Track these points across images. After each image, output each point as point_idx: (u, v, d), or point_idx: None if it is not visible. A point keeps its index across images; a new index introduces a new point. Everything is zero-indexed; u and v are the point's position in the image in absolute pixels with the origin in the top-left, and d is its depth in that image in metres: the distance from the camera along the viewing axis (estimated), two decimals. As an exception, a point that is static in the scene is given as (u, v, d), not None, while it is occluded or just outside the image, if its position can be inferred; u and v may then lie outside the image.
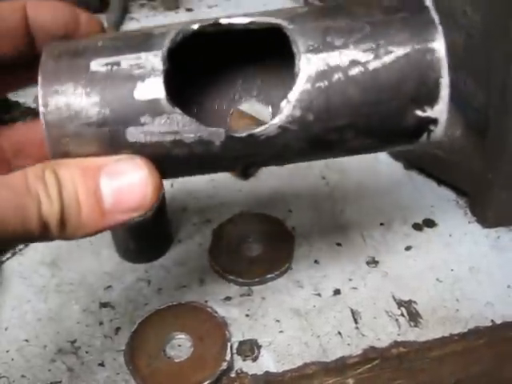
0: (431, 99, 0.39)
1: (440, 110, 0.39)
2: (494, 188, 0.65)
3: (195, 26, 0.39)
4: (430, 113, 0.39)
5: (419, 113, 0.39)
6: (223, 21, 0.40)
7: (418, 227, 0.68)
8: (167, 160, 0.38)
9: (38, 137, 0.37)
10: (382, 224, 0.69)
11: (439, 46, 0.39)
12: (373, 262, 0.64)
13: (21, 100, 0.85)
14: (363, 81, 0.38)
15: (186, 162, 0.39)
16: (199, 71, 0.48)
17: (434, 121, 0.40)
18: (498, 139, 0.63)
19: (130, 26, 1.07)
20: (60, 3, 0.43)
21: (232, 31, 0.40)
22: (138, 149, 0.37)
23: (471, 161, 0.69)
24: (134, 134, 0.37)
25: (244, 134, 0.38)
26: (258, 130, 0.38)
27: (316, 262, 0.64)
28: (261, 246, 0.64)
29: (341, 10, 0.40)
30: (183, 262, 0.64)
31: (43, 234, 0.34)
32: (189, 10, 1.12)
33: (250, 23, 0.40)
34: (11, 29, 0.41)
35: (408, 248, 0.66)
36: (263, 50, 0.47)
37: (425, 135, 0.41)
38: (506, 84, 0.59)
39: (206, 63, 0.48)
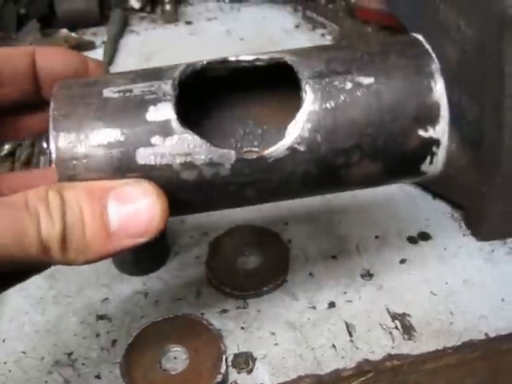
0: (432, 118, 0.40)
1: (442, 130, 0.41)
2: (488, 202, 0.66)
3: (204, 62, 0.40)
4: (432, 133, 0.41)
5: (422, 133, 0.41)
6: (231, 58, 0.41)
7: (412, 240, 0.69)
8: (176, 186, 0.38)
9: (39, 184, 0.36)
10: (377, 237, 0.69)
11: (435, 69, 0.42)
12: (367, 275, 0.65)
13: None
14: (367, 102, 0.39)
15: (195, 189, 0.39)
16: (208, 100, 0.49)
17: (437, 142, 0.41)
18: (491, 153, 0.63)
19: (130, 38, 1.08)
20: (69, 50, 0.44)
21: (239, 69, 0.42)
22: (147, 172, 0.37)
23: (466, 174, 0.69)
24: (144, 156, 0.37)
25: (254, 156, 0.38)
26: (268, 151, 0.39)
27: (311, 274, 0.65)
28: (257, 258, 0.65)
29: (341, 46, 0.42)
30: (180, 275, 0.65)
31: (44, 256, 0.33)
32: (188, 22, 1.13)
33: (256, 60, 0.41)
34: (19, 74, 0.42)
35: (403, 261, 0.66)
36: (269, 87, 0.48)
37: (428, 159, 0.42)
38: (499, 99, 0.60)
39: (213, 93, 0.49)
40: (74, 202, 0.34)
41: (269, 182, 0.40)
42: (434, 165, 0.43)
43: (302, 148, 0.39)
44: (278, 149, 0.39)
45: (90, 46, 1.04)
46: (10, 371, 0.56)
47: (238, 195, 0.41)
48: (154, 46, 1.05)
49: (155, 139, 0.37)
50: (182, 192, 0.39)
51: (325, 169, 0.40)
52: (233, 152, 0.38)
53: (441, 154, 0.42)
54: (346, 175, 0.41)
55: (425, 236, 0.69)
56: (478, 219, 0.69)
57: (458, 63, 0.69)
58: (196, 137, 0.37)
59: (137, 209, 0.35)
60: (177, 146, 0.37)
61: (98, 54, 1.02)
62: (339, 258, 0.67)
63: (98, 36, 1.07)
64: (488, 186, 0.65)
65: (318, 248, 0.67)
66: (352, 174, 0.41)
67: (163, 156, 0.37)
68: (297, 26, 1.12)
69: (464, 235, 0.70)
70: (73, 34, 1.06)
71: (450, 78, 0.71)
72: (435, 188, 0.74)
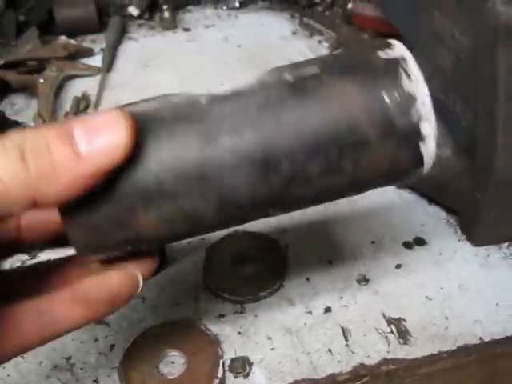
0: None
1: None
2: (482, 207, 0.66)
3: None
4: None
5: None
6: None
7: (408, 245, 0.69)
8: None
9: None
10: (373, 242, 0.70)
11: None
12: (363, 280, 0.65)
13: (20, 119, 0.87)
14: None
15: None
16: None
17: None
18: (485, 160, 0.64)
19: (128, 45, 1.09)
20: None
21: None
22: None
23: (460, 180, 0.70)
24: None
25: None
26: None
27: (308, 279, 0.65)
28: (254, 264, 0.65)
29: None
30: (178, 280, 0.65)
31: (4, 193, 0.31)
32: (186, 29, 1.14)
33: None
34: None
35: (398, 266, 0.67)
36: None
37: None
38: (493, 106, 0.61)
39: None
40: (39, 136, 0.32)
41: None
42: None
43: None
44: None
45: (89, 52, 1.05)
46: (8, 376, 0.56)
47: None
48: (153, 53, 1.06)
49: None
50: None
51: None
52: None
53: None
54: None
55: (420, 241, 0.70)
56: (472, 224, 0.69)
57: (452, 70, 0.70)
58: None
59: (103, 121, 0.33)
60: None
61: (96, 60, 1.02)
62: (335, 263, 0.67)
63: (97, 43, 1.08)
64: (482, 192, 0.65)
65: (315, 253, 0.68)
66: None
67: None
68: (294, 33, 1.12)
69: (459, 240, 0.71)
70: (72, 41, 1.07)
71: (445, 85, 0.72)
72: (430, 193, 0.75)
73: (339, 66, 0.40)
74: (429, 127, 0.40)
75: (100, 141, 0.33)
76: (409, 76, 0.40)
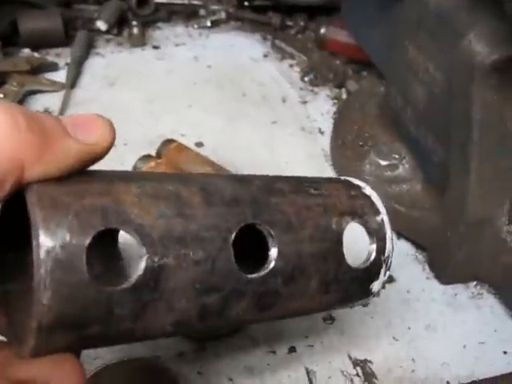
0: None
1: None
2: (451, 246, 0.65)
3: None
4: None
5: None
6: None
7: (376, 282, 0.68)
8: None
9: None
10: (340, 278, 0.68)
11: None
12: (329, 319, 0.63)
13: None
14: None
15: None
16: None
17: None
18: (457, 198, 0.63)
19: (94, 61, 1.05)
20: None
21: None
22: None
23: (430, 217, 0.69)
24: None
25: None
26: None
27: (272, 317, 0.63)
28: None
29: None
30: (136, 314, 0.62)
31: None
32: (155, 47, 1.11)
33: None
34: None
35: (365, 305, 0.65)
36: None
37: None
38: (466, 146, 0.60)
39: None
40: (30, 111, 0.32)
41: None
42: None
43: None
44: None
45: (53, 67, 1.01)
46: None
47: None
48: (120, 70, 1.02)
49: None
50: None
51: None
52: None
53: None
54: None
55: (388, 278, 0.68)
56: (441, 263, 0.68)
57: (425, 104, 0.69)
58: None
59: (85, 117, 0.34)
60: None
61: (60, 75, 0.99)
62: (301, 300, 0.65)
63: (62, 57, 1.04)
64: (452, 231, 0.64)
65: (280, 288, 0.66)
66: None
67: None
68: (265, 56, 1.11)
69: (427, 278, 0.69)
70: (35, 54, 1.03)
71: (417, 118, 0.71)
72: (399, 228, 0.73)
73: None
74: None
75: (85, 131, 0.33)
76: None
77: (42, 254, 0.29)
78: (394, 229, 0.72)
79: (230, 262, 0.35)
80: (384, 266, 0.44)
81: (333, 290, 0.41)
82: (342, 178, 0.47)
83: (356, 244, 0.45)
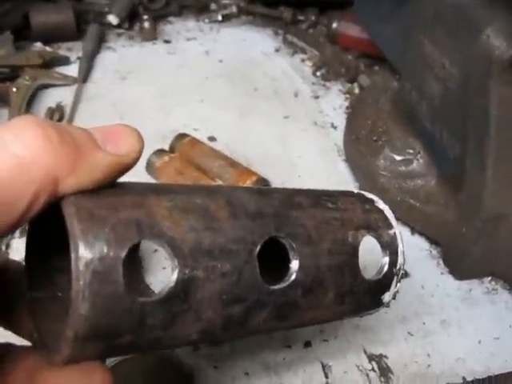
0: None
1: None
2: (467, 242, 0.65)
3: None
4: None
5: None
6: None
7: (390, 277, 0.68)
8: None
9: None
10: (354, 273, 0.68)
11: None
12: (345, 313, 0.63)
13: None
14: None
15: None
16: None
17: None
18: (473, 194, 0.63)
19: (106, 55, 1.05)
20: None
21: None
22: None
23: (445, 212, 0.69)
24: None
25: None
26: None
27: (287, 311, 0.63)
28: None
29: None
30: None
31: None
32: (167, 41, 1.11)
33: None
34: None
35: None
36: None
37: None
38: (483, 141, 0.60)
39: None
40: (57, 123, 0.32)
41: None
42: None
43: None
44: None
45: (65, 61, 1.01)
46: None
47: None
48: (131, 65, 1.02)
49: None
50: None
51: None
52: None
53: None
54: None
55: (402, 273, 0.68)
56: (456, 258, 0.68)
57: (440, 99, 0.69)
58: None
59: (113, 128, 0.34)
60: None
61: (72, 69, 0.99)
62: (316, 294, 0.65)
63: (74, 51, 1.04)
64: (468, 227, 0.64)
65: (295, 283, 0.66)
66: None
67: None
68: (277, 50, 1.10)
69: (442, 273, 0.69)
70: (47, 48, 1.03)
71: (432, 113, 0.71)
72: (413, 223, 0.73)
73: None
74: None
75: (114, 143, 0.33)
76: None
77: (81, 266, 0.29)
78: (408, 224, 0.73)
79: (254, 273, 0.36)
80: (395, 278, 0.45)
81: (347, 302, 0.42)
82: (356, 191, 0.48)
83: (369, 257, 0.46)
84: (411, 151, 0.74)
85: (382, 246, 0.44)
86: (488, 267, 0.67)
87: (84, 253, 0.29)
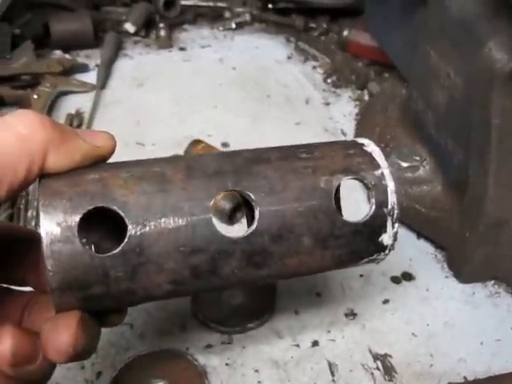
0: None
1: None
2: (470, 246, 0.67)
3: None
4: None
5: None
6: None
7: (396, 280, 0.70)
8: None
9: None
10: (361, 275, 0.70)
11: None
12: (351, 314, 0.66)
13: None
14: None
15: None
16: None
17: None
18: (475, 200, 0.65)
19: (123, 62, 1.09)
20: None
21: None
22: None
23: (450, 217, 0.71)
24: None
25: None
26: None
27: (296, 312, 0.65)
28: (242, 294, 0.65)
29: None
30: (165, 308, 0.65)
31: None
32: (182, 49, 1.14)
33: None
34: None
35: (386, 301, 0.67)
36: None
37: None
38: (485, 149, 0.62)
39: None
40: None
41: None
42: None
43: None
44: None
45: (83, 68, 1.05)
46: (-7, 402, 0.56)
47: None
48: (147, 72, 1.06)
49: None
50: None
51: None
52: None
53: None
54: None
55: (408, 276, 0.71)
56: (460, 262, 0.70)
57: (445, 108, 0.71)
58: None
59: (91, 130, 0.45)
60: None
61: (91, 76, 1.02)
62: (324, 296, 0.68)
63: (92, 58, 1.08)
64: (471, 232, 0.66)
65: (303, 285, 0.68)
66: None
67: None
68: (289, 57, 1.13)
69: (446, 277, 0.71)
70: (67, 56, 1.06)
71: (437, 121, 0.73)
72: (419, 228, 0.76)
73: None
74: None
75: (95, 136, 0.42)
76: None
77: (43, 232, 0.36)
78: (414, 228, 0.75)
79: (210, 226, 0.40)
80: (389, 218, 0.45)
81: (332, 246, 0.43)
82: (350, 139, 0.49)
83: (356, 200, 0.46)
84: (417, 158, 0.76)
85: (366, 188, 0.45)
86: (491, 271, 0.69)
87: (44, 222, 0.37)
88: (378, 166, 0.45)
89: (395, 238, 0.46)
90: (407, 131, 0.81)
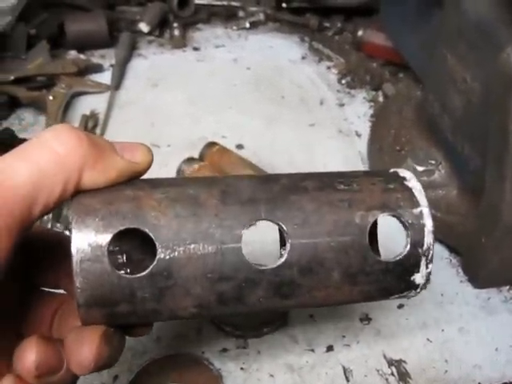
0: None
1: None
2: (486, 251, 0.67)
3: None
4: None
5: None
6: None
7: (411, 285, 0.70)
8: None
9: None
10: (376, 280, 0.70)
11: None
12: (366, 319, 0.66)
13: (28, 136, 0.87)
14: None
15: None
16: None
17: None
18: (492, 205, 0.65)
19: (137, 62, 1.09)
20: None
21: None
22: None
23: (465, 222, 0.71)
24: None
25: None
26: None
27: (311, 316, 0.66)
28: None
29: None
30: (181, 311, 0.65)
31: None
32: (196, 49, 1.14)
33: None
34: None
35: (400, 306, 0.67)
36: None
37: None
38: (502, 155, 0.62)
39: None
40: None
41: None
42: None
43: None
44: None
45: (98, 68, 1.05)
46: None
47: None
48: (162, 72, 1.06)
49: None
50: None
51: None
52: None
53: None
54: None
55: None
56: (475, 267, 0.70)
57: (462, 113, 0.71)
58: None
59: (129, 143, 0.42)
60: None
61: (105, 77, 1.02)
62: (338, 300, 0.68)
63: (106, 58, 1.08)
64: (487, 237, 0.66)
65: (318, 289, 0.68)
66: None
67: None
68: (303, 57, 1.13)
69: (461, 281, 0.71)
70: (81, 56, 1.07)
71: (454, 125, 0.73)
72: (435, 233, 0.75)
73: None
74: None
75: (130, 153, 0.41)
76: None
77: (74, 249, 0.37)
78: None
79: (239, 254, 0.40)
80: (423, 258, 0.44)
81: (362, 282, 0.43)
82: (392, 170, 0.48)
83: (393, 238, 0.47)
84: (433, 162, 0.76)
85: (403, 226, 0.44)
86: (506, 276, 0.69)
87: (76, 239, 0.37)
88: (417, 204, 0.44)
89: (428, 278, 0.45)
90: (422, 134, 0.80)
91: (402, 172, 0.47)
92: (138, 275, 0.38)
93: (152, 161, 0.42)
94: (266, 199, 0.42)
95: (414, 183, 0.46)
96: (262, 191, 0.42)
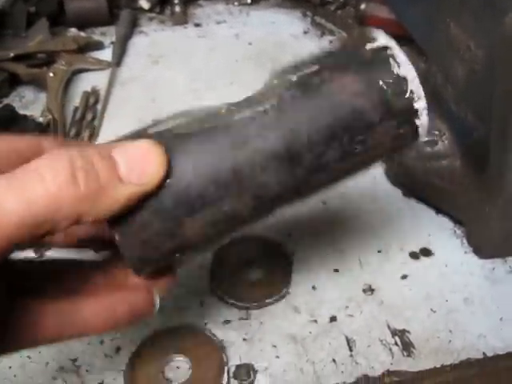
0: None
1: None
2: (490, 221, 0.66)
3: None
4: None
5: None
6: None
7: (414, 255, 0.70)
8: None
9: None
10: (379, 251, 0.70)
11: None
12: (369, 290, 0.65)
13: (28, 113, 0.87)
14: None
15: None
16: None
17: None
18: (496, 175, 0.64)
19: (138, 39, 1.08)
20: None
21: None
22: None
23: (469, 192, 0.70)
24: None
25: None
26: None
27: (313, 287, 0.65)
28: (260, 269, 0.66)
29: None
30: (184, 283, 0.65)
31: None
32: (197, 25, 1.13)
33: None
34: None
35: (404, 277, 0.67)
36: None
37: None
38: (507, 123, 0.61)
39: None
40: (86, 156, 0.36)
41: None
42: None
43: None
44: None
45: (99, 46, 1.04)
46: (15, 376, 0.57)
47: None
48: (163, 48, 1.05)
49: None
50: None
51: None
52: None
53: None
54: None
55: (426, 252, 0.70)
56: (479, 237, 0.69)
57: (466, 82, 0.70)
58: None
59: (139, 152, 0.37)
60: None
61: (106, 54, 1.02)
62: (341, 272, 0.67)
63: (107, 36, 1.07)
64: (491, 207, 0.65)
65: (321, 261, 0.68)
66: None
67: None
68: (305, 32, 1.12)
69: (465, 252, 0.71)
70: (82, 34, 1.06)
71: (457, 95, 0.72)
72: (438, 203, 0.75)
73: (335, 62, 0.44)
74: (421, 103, 0.44)
75: (138, 172, 0.37)
76: (397, 62, 0.43)
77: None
78: (432, 204, 0.75)
79: None
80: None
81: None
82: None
83: None
84: (436, 132, 0.75)
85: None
86: (511, 246, 0.69)
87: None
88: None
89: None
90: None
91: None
92: None
93: (165, 172, 0.38)
94: None
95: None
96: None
